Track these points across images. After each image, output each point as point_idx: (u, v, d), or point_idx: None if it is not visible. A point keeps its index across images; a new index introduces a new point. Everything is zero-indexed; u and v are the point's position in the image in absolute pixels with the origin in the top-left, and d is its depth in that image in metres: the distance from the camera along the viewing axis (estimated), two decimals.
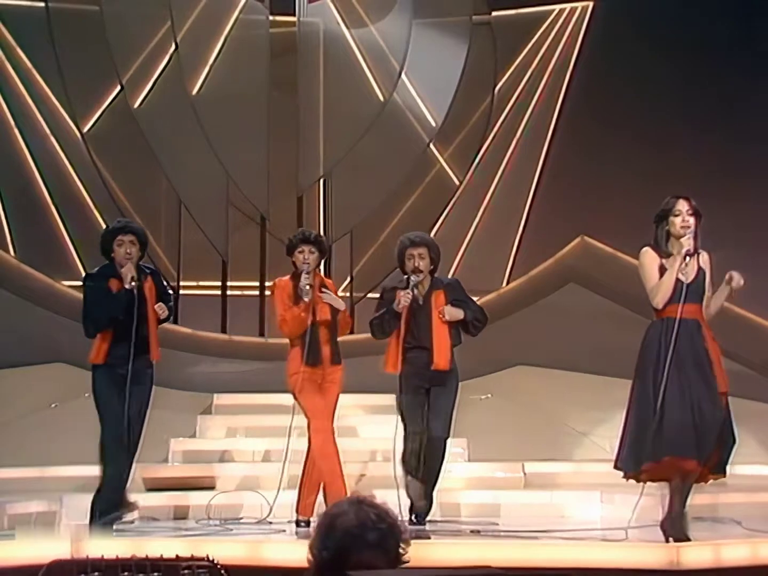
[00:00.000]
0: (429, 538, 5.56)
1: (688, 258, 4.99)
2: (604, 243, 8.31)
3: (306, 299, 5.86)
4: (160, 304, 5.75)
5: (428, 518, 6.02)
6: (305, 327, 5.86)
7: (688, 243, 5.03)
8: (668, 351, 4.94)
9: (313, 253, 5.95)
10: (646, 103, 8.50)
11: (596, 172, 8.46)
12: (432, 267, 5.96)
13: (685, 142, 8.38)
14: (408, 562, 2.34)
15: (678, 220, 5.09)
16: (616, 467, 5.25)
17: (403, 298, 5.82)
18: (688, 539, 5.13)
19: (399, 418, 5.95)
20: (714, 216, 7.93)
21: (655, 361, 5.01)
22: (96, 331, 5.73)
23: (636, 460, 5.08)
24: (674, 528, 5.15)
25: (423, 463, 5.85)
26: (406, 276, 5.92)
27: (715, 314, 5.15)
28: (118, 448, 5.64)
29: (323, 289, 5.95)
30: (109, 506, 5.62)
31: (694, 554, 5.03)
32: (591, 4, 8.91)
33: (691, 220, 5.08)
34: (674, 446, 4.94)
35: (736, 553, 5.17)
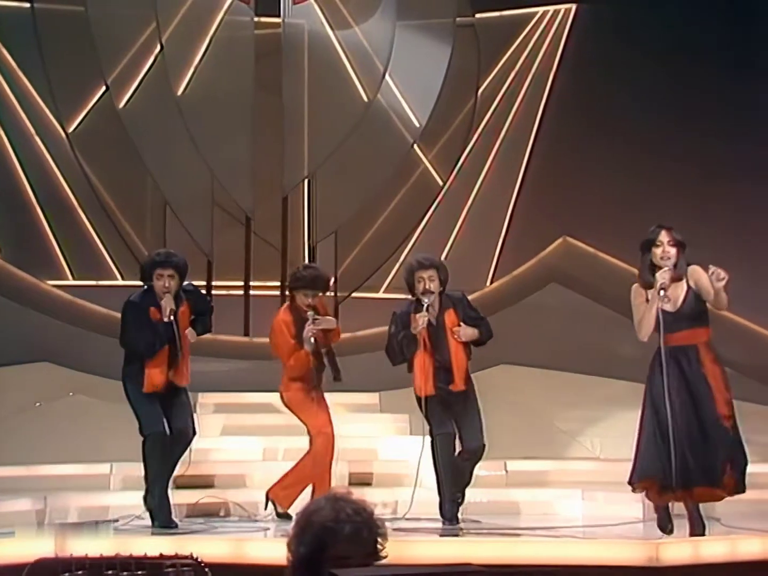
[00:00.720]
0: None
1: (662, 292, 5.06)
2: (587, 243, 8.36)
3: (308, 348, 5.96)
4: (189, 329, 5.99)
5: (408, 516, 6.09)
6: (309, 366, 6.00)
7: (662, 277, 5.09)
8: (671, 380, 5.07)
9: (317, 297, 6.07)
10: (630, 104, 8.55)
11: (579, 173, 8.51)
12: (441, 288, 6.02)
13: (669, 143, 8.43)
14: (386, 557, 2.38)
15: (659, 251, 5.19)
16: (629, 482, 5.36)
17: (421, 321, 5.88)
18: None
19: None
20: (696, 218, 8.02)
21: (656, 390, 5.13)
22: (136, 357, 5.95)
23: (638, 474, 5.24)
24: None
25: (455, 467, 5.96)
26: (416, 299, 5.99)
27: (723, 304, 5.19)
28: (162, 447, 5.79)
29: (316, 321, 6.04)
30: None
31: (673, 551, 5.10)
32: (574, 6, 8.95)
33: (672, 251, 5.16)
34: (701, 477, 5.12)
35: (715, 549, 5.24)
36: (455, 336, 5.97)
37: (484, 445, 6.03)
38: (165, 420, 5.89)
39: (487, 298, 8.30)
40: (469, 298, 8.59)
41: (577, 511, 6.47)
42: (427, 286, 5.94)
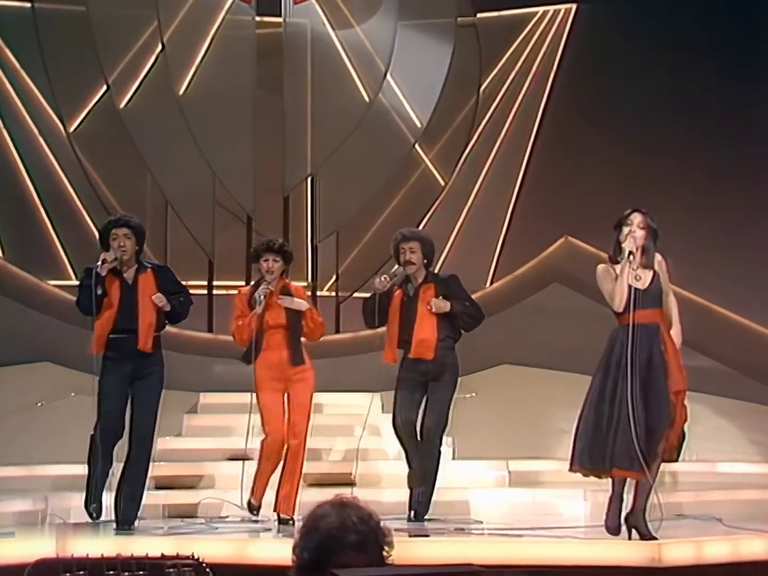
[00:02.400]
0: (428, 536, 5.64)
1: (631, 257, 5.18)
2: (588, 243, 8.35)
3: (259, 309, 5.93)
4: (158, 294, 5.77)
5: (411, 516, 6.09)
6: (250, 336, 5.93)
7: (629, 245, 5.22)
8: (619, 357, 5.15)
9: (277, 261, 6.03)
10: (631, 103, 8.54)
11: (580, 173, 8.50)
12: (425, 261, 6.07)
13: (671, 142, 8.43)
14: (391, 564, 2.37)
15: (626, 230, 5.30)
16: (571, 470, 5.34)
17: (377, 281, 6.00)
18: (653, 536, 5.19)
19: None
20: (698, 217, 8.01)
21: (612, 367, 5.20)
22: (84, 313, 5.75)
23: (585, 458, 5.22)
24: (638, 523, 5.23)
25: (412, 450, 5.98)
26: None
27: (672, 308, 5.33)
28: (106, 447, 5.67)
29: (280, 296, 6.02)
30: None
31: (675, 551, 5.09)
32: (574, 6, 8.94)
33: (639, 233, 5.27)
34: (620, 460, 5.09)
35: (717, 550, 5.23)
36: (427, 307, 5.96)
37: (437, 433, 6.04)
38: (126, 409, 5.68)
39: (488, 299, 8.29)
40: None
41: (579, 511, 6.46)
42: (408, 257, 6.05)
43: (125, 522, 5.71)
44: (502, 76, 8.97)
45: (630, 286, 5.20)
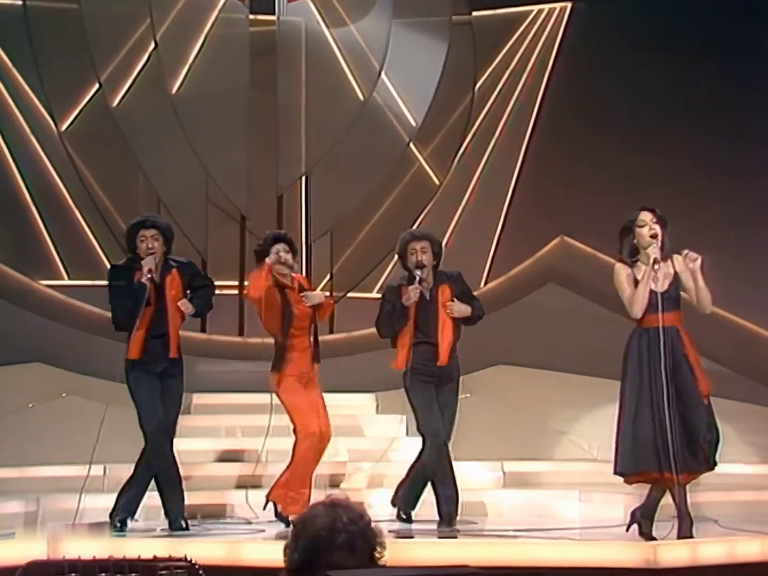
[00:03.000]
0: (412, 537, 5.60)
1: (657, 266, 5.12)
2: (584, 243, 8.33)
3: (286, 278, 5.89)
4: (183, 300, 5.77)
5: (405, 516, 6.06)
6: (280, 308, 5.86)
7: (654, 252, 5.16)
8: (649, 361, 5.12)
9: (288, 252, 5.98)
10: (626, 102, 8.53)
11: (576, 172, 8.48)
12: (435, 261, 6.00)
13: (666, 141, 8.41)
14: (384, 565, 2.35)
15: (645, 231, 5.22)
16: (616, 473, 5.35)
17: (413, 293, 5.85)
18: (652, 537, 5.17)
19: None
20: (695, 217, 7.99)
21: (638, 371, 5.18)
22: (120, 325, 5.75)
23: (632, 464, 5.23)
24: (644, 521, 5.23)
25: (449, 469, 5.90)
26: (409, 272, 5.96)
27: (705, 301, 5.25)
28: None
29: (303, 295, 5.97)
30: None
31: (671, 553, 5.07)
32: (569, 4, 8.93)
33: (658, 229, 5.18)
34: (651, 461, 5.13)
35: (713, 551, 5.21)
36: (447, 311, 5.93)
37: (446, 442, 5.95)
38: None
39: (483, 298, 8.24)
40: None
41: (573, 512, 6.45)
42: (419, 258, 5.94)
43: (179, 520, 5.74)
44: (497, 75, 8.96)
45: (651, 291, 5.14)
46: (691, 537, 5.27)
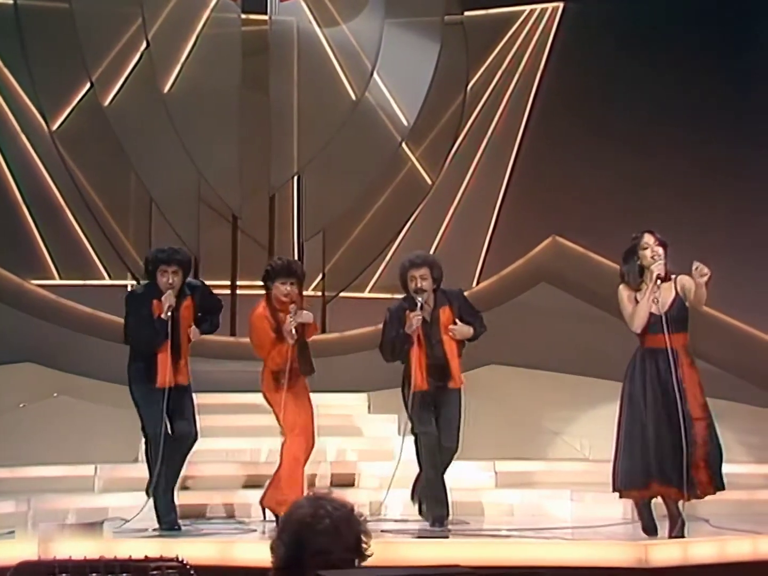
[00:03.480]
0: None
1: (659, 281, 5.27)
2: (576, 243, 8.34)
3: (291, 341, 5.89)
4: (193, 328, 5.91)
5: (400, 517, 6.06)
6: (290, 359, 5.93)
7: (658, 269, 5.31)
8: (649, 381, 5.27)
9: (294, 285, 5.98)
10: (618, 103, 8.53)
11: (568, 172, 8.49)
12: (435, 285, 5.99)
13: (658, 141, 8.42)
14: (371, 555, 2.36)
15: (648, 253, 5.38)
16: (614, 490, 5.47)
17: (415, 321, 5.87)
18: (654, 531, 5.34)
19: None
20: (687, 217, 8.00)
21: (639, 391, 5.32)
22: (141, 354, 5.86)
23: (628, 480, 5.38)
24: (642, 515, 5.30)
25: (441, 467, 5.90)
26: (410, 296, 5.96)
27: (700, 301, 5.38)
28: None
29: (293, 310, 5.98)
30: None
31: (662, 552, 5.08)
32: (561, 4, 8.93)
33: (660, 250, 5.37)
34: (645, 478, 5.31)
35: (704, 550, 5.23)
36: (450, 334, 5.93)
37: (456, 448, 5.99)
38: (168, 421, 5.81)
39: (475, 298, 8.24)
40: None
41: (565, 512, 6.45)
42: (419, 285, 5.94)
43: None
44: (489, 75, 8.95)
45: (653, 313, 5.28)
46: (683, 537, 5.30)
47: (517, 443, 7.45)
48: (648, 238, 5.36)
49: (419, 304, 5.87)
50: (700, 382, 5.36)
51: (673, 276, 5.40)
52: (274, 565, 2.36)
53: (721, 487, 5.40)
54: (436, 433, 5.92)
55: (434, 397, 5.94)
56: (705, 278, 5.25)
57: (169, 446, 5.79)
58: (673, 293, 5.33)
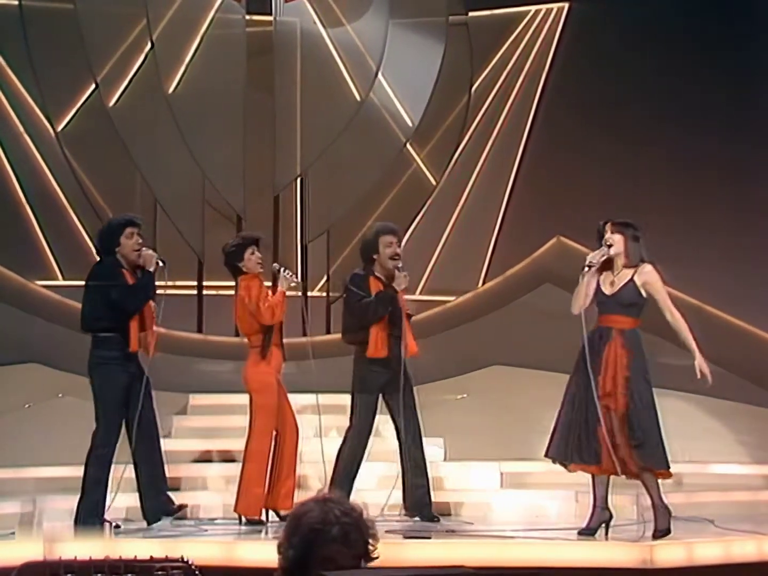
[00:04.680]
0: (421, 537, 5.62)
1: (585, 269, 5.47)
2: (580, 244, 8.32)
3: (286, 285, 6.06)
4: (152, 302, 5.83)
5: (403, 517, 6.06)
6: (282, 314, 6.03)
7: (591, 256, 5.48)
8: (585, 358, 5.40)
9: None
10: (623, 103, 8.53)
11: (572, 173, 8.48)
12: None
13: (663, 141, 8.42)
14: (377, 558, 2.35)
15: (604, 241, 5.53)
16: (546, 455, 5.58)
17: (405, 279, 5.95)
18: (666, 532, 5.28)
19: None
20: (691, 217, 8.00)
21: (577, 366, 5.49)
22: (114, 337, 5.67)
23: (563, 452, 5.49)
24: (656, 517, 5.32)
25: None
26: (364, 266, 6.05)
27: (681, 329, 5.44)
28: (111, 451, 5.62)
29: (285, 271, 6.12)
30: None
31: (667, 553, 5.07)
32: (566, 5, 8.93)
33: (615, 237, 5.48)
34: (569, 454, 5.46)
35: (709, 551, 5.22)
36: (407, 310, 6.05)
37: (423, 455, 6.00)
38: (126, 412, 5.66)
39: (480, 299, 8.27)
40: (462, 298, 8.64)
41: (570, 512, 6.44)
42: (396, 250, 5.99)
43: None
44: (494, 75, 8.96)
45: (600, 292, 5.45)
46: (668, 529, 5.26)
47: (522, 444, 7.44)
48: (607, 228, 5.47)
49: (401, 267, 5.95)
50: (629, 364, 5.36)
51: (640, 264, 5.43)
52: (281, 565, 2.36)
53: (650, 465, 5.33)
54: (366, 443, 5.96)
55: (394, 368, 5.92)
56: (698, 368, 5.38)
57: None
58: (629, 277, 5.40)
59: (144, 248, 5.77)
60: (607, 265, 5.46)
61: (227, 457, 7.05)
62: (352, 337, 6.05)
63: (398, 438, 6.02)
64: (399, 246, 6.08)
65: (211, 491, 6.63)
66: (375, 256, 6.04)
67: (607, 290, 5.43)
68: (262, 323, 6.00)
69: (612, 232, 5.43)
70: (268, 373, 6.02)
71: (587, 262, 5.42)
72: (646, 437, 5.28)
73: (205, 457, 7.08)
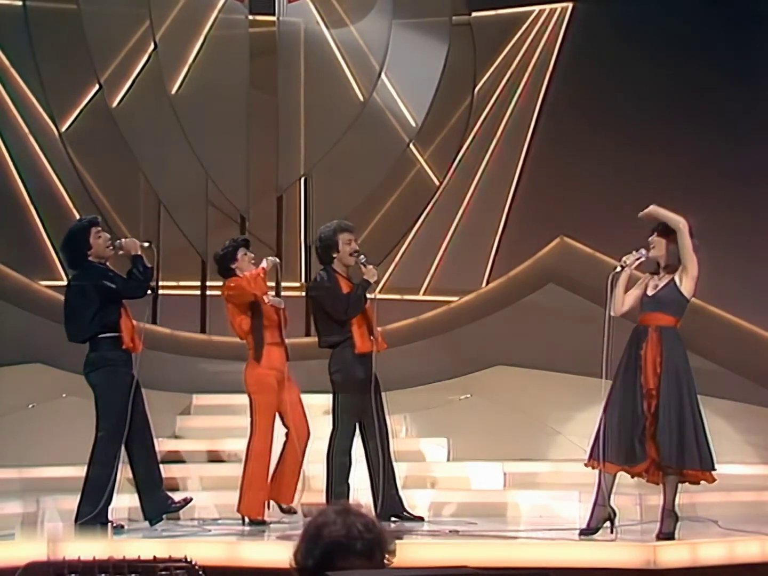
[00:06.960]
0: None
1: (618, 268, 5.53)
2: (584, 243, 8.33)
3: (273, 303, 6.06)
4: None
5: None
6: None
7: (627, 257, 5.53)
8: (626, 357, 5.47)
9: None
10: (626, 103, 8.53)
11: (576, 173, 8.48)
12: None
13: (666, 141, 8.41)
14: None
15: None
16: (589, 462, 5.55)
17: (375, 272, 6.05)
18: (670, 535, 5.27)
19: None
20: (694, 215, 7.98)
21: (618, 367, 5.53)
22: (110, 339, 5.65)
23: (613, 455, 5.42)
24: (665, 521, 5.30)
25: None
26: (323, 267, 6.07)
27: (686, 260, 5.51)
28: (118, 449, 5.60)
29: (268, 298, 6.05)
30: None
31: (671, 553, 5.07)
32: (570, 5, 8.93)
33: (654, 238, 5.58)
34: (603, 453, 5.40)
35: (713, 552, 5.21)
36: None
37: (390, 458, 5.95)
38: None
39: (483, 299, 8.27)
40: (466, 299, 8.60)
41: (574, 513, 6.43)
42: (355, 246, 6.07)
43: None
44: (498, 76, 8.96)
45: (644, 294, 5.53)
46: (672, 535, 5.25)
47: (526, 444, 7.44)
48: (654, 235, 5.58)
49: (364, 260, 5.95)
50: (663, 363, 5.39)
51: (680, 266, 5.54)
52: (294, 572, 2.36)
53: (671, 466, 5.31)
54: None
55: (366, 373, 5.90)
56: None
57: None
58: (669, 278, 5.51)
59: (117, 240, 5.71)
60: (655, 269, 5.58)
61: (231, 458, 7.05)
62: (331, 339, 6.00)
63: (362, 437, 5.94)
64: (356, 242, 6.11)
65: (214, 491, 6.62)
66: (335, 255, 6.02)
67: (650, 291, 5.54)
68: (254, 292, 5.97)
69: (657, 236, 5.56)
70: (266, 374, 6.00)
71: (621, 263, 5.51)
72: (675, 437, 5.28)
73: (208, 457, 7.08)
